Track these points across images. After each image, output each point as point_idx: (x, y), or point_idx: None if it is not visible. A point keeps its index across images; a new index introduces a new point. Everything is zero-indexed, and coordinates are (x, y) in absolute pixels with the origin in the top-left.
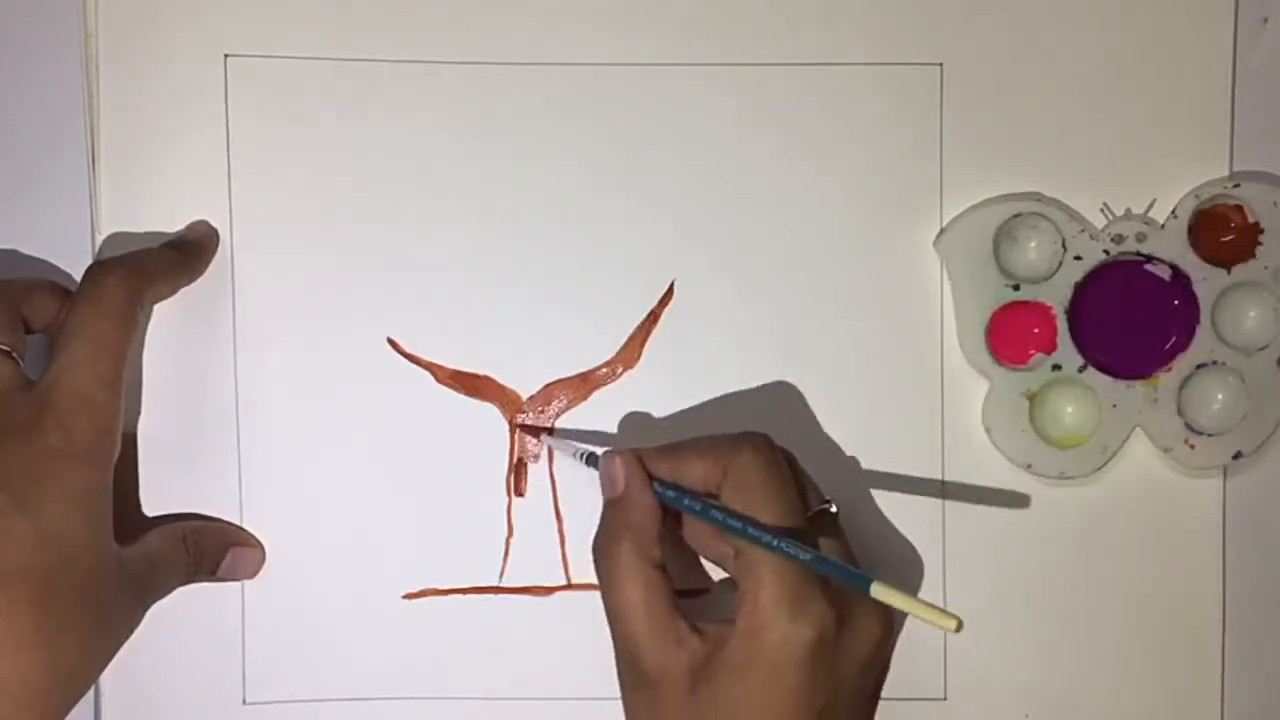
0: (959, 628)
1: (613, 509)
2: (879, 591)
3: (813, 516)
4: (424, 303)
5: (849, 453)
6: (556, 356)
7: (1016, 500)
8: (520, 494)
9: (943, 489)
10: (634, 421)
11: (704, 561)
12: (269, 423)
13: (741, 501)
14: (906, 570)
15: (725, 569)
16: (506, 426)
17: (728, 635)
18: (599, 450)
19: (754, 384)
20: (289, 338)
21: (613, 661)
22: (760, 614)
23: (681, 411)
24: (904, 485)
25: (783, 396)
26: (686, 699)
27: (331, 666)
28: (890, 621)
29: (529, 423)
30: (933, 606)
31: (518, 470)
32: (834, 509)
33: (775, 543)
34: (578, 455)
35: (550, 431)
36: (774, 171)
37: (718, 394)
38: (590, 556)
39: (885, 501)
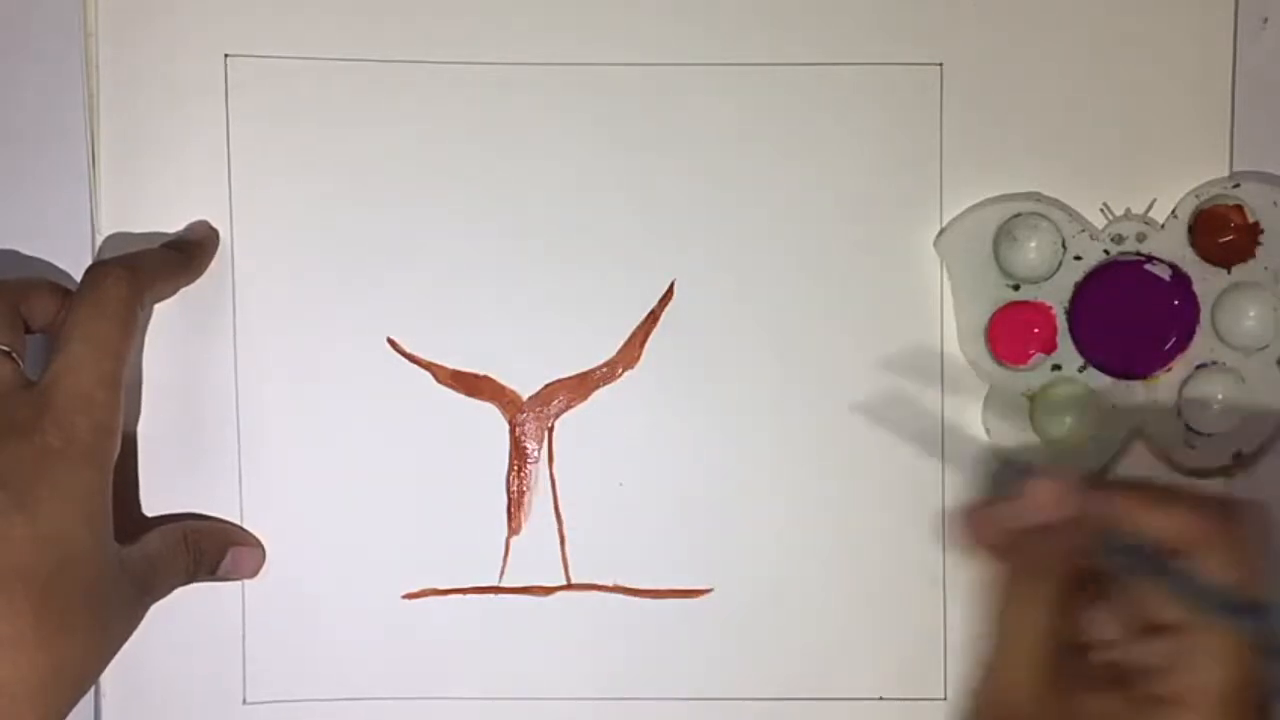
0: None
1: (1029, 541)
2: None
3: None
4: (424, 303)
5: (848, 453)
6: (556, 356)
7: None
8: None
9: (943, 490)
10: (634, 421)
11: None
12: (269, 422)
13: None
14: (904, 568)
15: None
16: (507, 426)
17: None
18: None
19: (754, 384)
20: (289, 338)
21: (613, 661)
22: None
23: (682, 411)
24: (904, 485)
25: (782, 396)
26: None
27: (331, 666)
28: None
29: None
30: None
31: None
32: None
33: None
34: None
35: (550, 429)
36: (774, 171)
37: (718, 394)
38: (590, 557)
39: (885, 501)
